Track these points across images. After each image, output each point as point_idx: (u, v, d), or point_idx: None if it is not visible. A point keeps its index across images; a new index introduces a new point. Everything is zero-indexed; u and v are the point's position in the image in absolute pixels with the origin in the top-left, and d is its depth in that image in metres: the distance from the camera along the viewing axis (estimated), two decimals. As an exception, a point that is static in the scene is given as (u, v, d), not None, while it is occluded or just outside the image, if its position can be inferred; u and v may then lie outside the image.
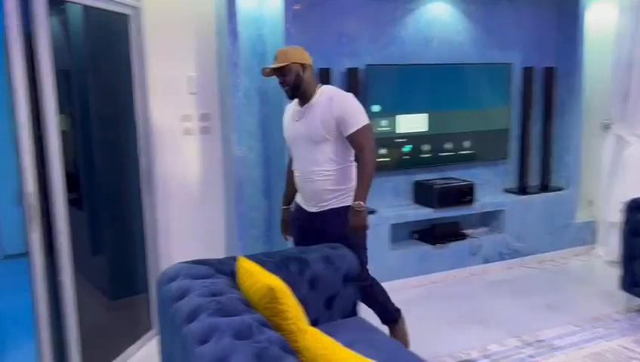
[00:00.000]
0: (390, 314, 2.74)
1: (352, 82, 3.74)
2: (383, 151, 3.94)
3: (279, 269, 2.11)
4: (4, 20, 2.04)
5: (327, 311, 2.29)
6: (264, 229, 3.63)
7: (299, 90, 2.51)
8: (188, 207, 3.33)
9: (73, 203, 2.84)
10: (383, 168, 3.96)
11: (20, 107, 2.09)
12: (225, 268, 2.00)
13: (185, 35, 3.20)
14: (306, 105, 2.53)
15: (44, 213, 2.28)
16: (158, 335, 2.00)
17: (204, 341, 1.45)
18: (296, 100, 2.60)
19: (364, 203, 2.42)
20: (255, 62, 3.45)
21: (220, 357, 1.35)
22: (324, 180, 2.52)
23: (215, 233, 3.43)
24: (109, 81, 3.10)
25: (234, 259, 2.03)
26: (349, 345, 1.95)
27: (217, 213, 3.43)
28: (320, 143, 2.49)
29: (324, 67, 3.64)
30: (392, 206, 4.06)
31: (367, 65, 3.81)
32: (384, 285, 2.76)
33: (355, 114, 2.44)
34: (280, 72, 2.48)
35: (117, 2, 2.78)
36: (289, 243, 2.88)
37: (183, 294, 1.73)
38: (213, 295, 1.69)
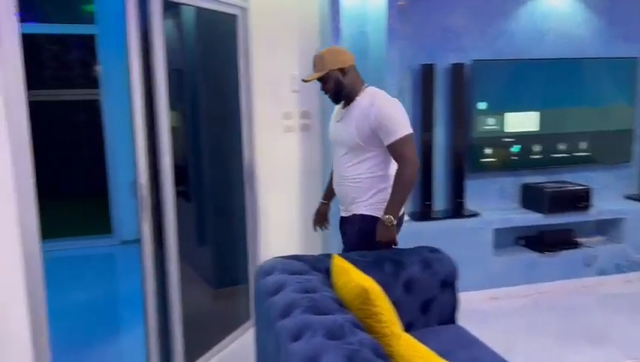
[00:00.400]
0: None
1: (457, 78, 3.59)
2: (488, 151, 3.74)
3: (373, 269, 2.07)
4: (126, 22, 2.19)
5: (423, 316, 2.21)
6: (361, 228, 3.60)
7: (341, 95, 2.38)
8: (287, 203, 3.40)
9: (182, 195, 3.01)
10: (488, 169, 3.77)
11: (136, 104, 2.23)
12: (320, 265, 2.00)
13: (289, 34, 3.25)
14: (347, 107, 2.39)
15: (155, 204, 2.43)
16: (255, 327, 2.05)
17: (296, 338, 1.45)
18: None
19: (395, 217, 2.23)
20: (357, 60, 3.42)
21: (311, 356, 1.34)
22: (353, 187, 2.37)
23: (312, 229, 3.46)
24: (217, 79, 3.24)
25: (329, 256, 2.03)
26: (444, 354, 1.87)
27: (315, 208, 3.46)
28: (354, 149, 2.33)
29: (427, 63, 3.53)
30: (496, 209, 3.85)
31: (474, 60, 3.64)
32: (484, 292, 2.61)
33: (397, 121, 2.23)
34: (320, 80, 2.35)
35: (226, 3, 2.89)
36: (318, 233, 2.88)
37: (278, 289, 1.75)
38: (307, 291, 1.69)
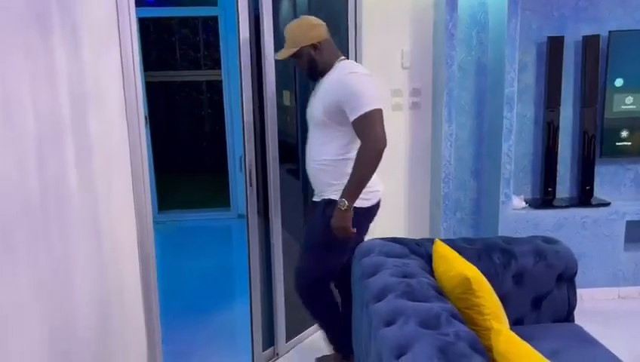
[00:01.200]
0: (344, 349, 2.36)
1: (590, 52, 3.22)
2: (624, 133, 3.33)
3: (480, 259, 1.93)
4: (237, 5, 2.23)
5: (535, 312, 2.03)
6: (471, 212, 3.42)
7: (316, 72, 2.18)
8: (394, 183, 3.31)
9: (292, 173, 3.07)
10: (622, 154, 3.36)
11: (245, 82, 2.28)
12: (420, 250, 1.91)
13: (401, 7, 3.12)
14: (318, 81, 2.20)
15: (263, 180, 2.49)
16: (352, 306, 2.02)
17: (389, 323, 1.39)
18: None
19: (351, 201, 2.01)
20: (474, 33, 3.21)
21: (403, 344, 1.28)
22: (320, 169, 2.17)
23: (419, 212, 3.34)
24: None
25: (431, 241, 1.93)
26: (554, 353, 1.70)
27: (423, 191, 3.34)
28: (320, 127, 2.13)
29: (555, 35, 3.20)
30: (631, 199, 3.43)
31: (611, 31, 3.23)
32: (611, 290, 2.34)
33: (363, 96, 1.99)
34: (293, 56, 2.16)
35: (337, -22, 2.84)
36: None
37: (374, 271, 1.70)
38: (405, 276, 1.62)
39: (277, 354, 2.65)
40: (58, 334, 1.30)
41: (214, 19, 5.33)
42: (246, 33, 2.26)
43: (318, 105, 2.13)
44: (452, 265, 1.67)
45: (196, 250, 4.49)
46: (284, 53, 2.17)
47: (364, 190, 2.05)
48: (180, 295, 3.46)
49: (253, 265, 2.47)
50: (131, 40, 1.75)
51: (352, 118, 2.01)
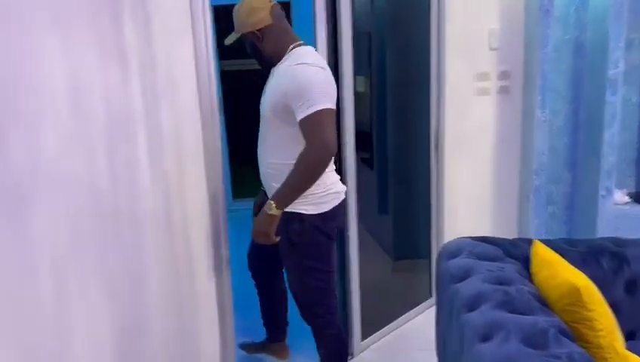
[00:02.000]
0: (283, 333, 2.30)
1: None
2: None
3: (586, 263, 1.70)
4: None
5: (650, 325, 1.77)
6: (564, 207, 3.11)
7: (262, 61, 1.91)
8: (478, 174, 3.08)
9: (365, 161, 2.95)
10: None
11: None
12: (516, 252, 1.71)
13: (489, -18, 2.87)
14: (271, 73, 1.91)
15: (338, 171, 2.37)
16: (436, 310, 1.86)
17: (485, 338, 1.23)
18: None
19: (280, 207, 1.74)
20: (572, 9, 2.88)
21: (504, 364, 1.12)
22: (270, 174, 1.89)
23: (506, 206, 3.09)
24: (406, 40, 3.04)
25: (528, 242, 1.72)
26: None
27: (511, 183, 3.08)
28: (270, 125, 1.86)
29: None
30: None
31: None
32: None
33: (311, 94, 1.68)
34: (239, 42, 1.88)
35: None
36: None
37: (464, 275, 1.53)
38: (501, 283, 1.44)
39: (351, 354, 2.53)
40: (128, 335, 1.24)
41: (287, 5, 5.25)
42: (322, 18, 2.14)
43: (266, 99, 1.88)
44: (556, 270, 1.46)
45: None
46: (230, 39, 1.92)
47: (317, 192, 1.80)
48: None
49: (328, 260, 2.36)
50: (205, 28, 1.66)
51: (298, 118, 1.71)
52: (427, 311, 2.94)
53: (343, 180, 2.36)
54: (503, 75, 2.94)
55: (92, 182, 1.08)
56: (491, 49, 2.91)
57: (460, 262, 1.61)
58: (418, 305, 2.95)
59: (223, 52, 7.31)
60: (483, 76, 2.93)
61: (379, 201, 3.26)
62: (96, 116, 1.10)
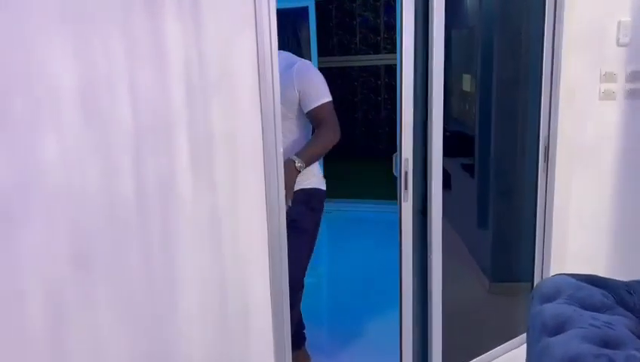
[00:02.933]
0: (302, 338, 2.46)
1: None
2: None
3: None
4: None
5: None
6: None
7: None
8: (596, 192, 2.64)
9: (466, 168, 2.68)
10: None
11: (405, 67, 1.92)
12: (632, 301, 1.36)
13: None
14: None
15: (423, 177, 2.13)
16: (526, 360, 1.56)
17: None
18: None
19: (307, 164, 2.13)
20: None
21: None
22: None
23: (631, 232, 2.62)
24: (517, 35, 2.74)
25: (651, 289, 1.36)
26: None
27: (638, 205, 2.61)
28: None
29: None
30: None
31: None
32: None
33: (320, 86, 2.22)
34: None
35: None
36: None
37: (559, 327, 1.23)
38: (606, 344, 1.13)
39: (429, 388, 2.28)
40: (153, 360, 1.12)
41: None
42: (410, 12, 1.90)
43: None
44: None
45: (357, 243, 4.27)
46: None
47: (320, 174, 2.38)
48: (326, 292, 3.29)
49: (406, 277, 2.13)
50: (269, 20, 1.50)
51: (311, 107, 2.20)
52: (524, 346, 2.58)
53: (426, 188, 2.13)
54: (633, 76, 2.48)
55: (108, 196, 0.96)
56: (620, 45, 2.47)
57: (557, 308, 1.31)
58: (514, 337, 2.60)
59: (323, 48, 7.27)
60: (608, 77, 2.50)
61: (478, 213, 2.98)
62: (118, 122, 0.98)
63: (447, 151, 2.20)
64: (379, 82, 7.17)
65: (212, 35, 1.32)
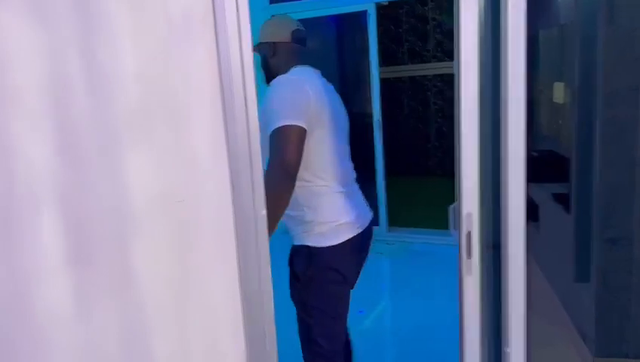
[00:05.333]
0: None
1: None
2: None
3: None
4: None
5: None
6: None
7: (269, 74, 1.90)
8: None
9: (560, 199, 2.14)
10: None
11: (468, 81, 1.30)
12: None
13: None
14: None
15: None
16: None
17: None
18: None
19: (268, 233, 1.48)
20: None
21: None
22: None
23: None
24: (627, 33, 2.08)
25: None
26: None
27: None
28: None
29: None
30: None
31: None
32: None
33: (274, 109, 1.64)
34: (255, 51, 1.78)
35: None
36: None
37: None
38: None
39: None
40: None
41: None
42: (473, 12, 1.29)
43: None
44: None
45: (420, 284, 3.57)
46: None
47: (324, 222, 1.72)
48: (378, 346, 2.70)
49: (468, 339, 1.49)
50: (238, 19, 0.97)
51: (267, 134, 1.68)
52: None
53: (502, 231, 1.49)
54: None
55: None
56: None
57: None
58: None
59: (391, 56, 6.65)
60: None
61: (576, 261, 2.34)
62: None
63: (533, 176, 1.64)
64: (427, 93, 6.50)
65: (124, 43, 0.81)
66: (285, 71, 1.83)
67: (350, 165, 1.88)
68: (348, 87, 5.08)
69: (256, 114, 0.97)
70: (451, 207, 1.35)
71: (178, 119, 0.87)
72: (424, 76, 6.54)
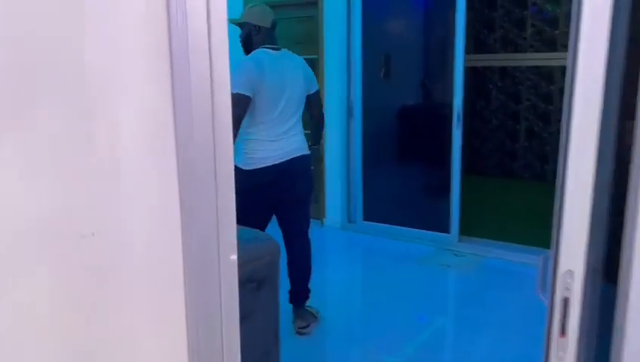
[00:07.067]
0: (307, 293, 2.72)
1: None
2: None
3: None
4: None
5: None
6: None
7: (248, 51, 2.61)
8: None
9: None
10: None
11: (586, 75, 0.84)
12: None
13: None
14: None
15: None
16: None
17: None
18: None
19: None
20: None
21: None
22: None
23: None
24: None
25: None
26: None
27: None
28: None
29: None
30: None
31: None
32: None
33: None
34: (238, 26, 2.62)
35: None
36: None
37: None
38: None
39: None
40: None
41: None
42: None
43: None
44: None
45: (486, 309, 3.04)
46: (235, 20, 2.57)
47: (246, 151, 2.54)
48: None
49: None
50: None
51: None
52: None
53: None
54: None
55: None
56: None
57: None
58: None
59: (482, 44, 6.00)
60: None
61: None
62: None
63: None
64: (551, 87, 5.70)
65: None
66: (258, 48, 2.58)
67: (292, 120, 2.62)
68: (430, 74, 4.53)
69: (229, 89, 0.60)
70: (542, 257, 0.91)
71: (81, 97, 0.51)
72: (517, 67, 5.84)
